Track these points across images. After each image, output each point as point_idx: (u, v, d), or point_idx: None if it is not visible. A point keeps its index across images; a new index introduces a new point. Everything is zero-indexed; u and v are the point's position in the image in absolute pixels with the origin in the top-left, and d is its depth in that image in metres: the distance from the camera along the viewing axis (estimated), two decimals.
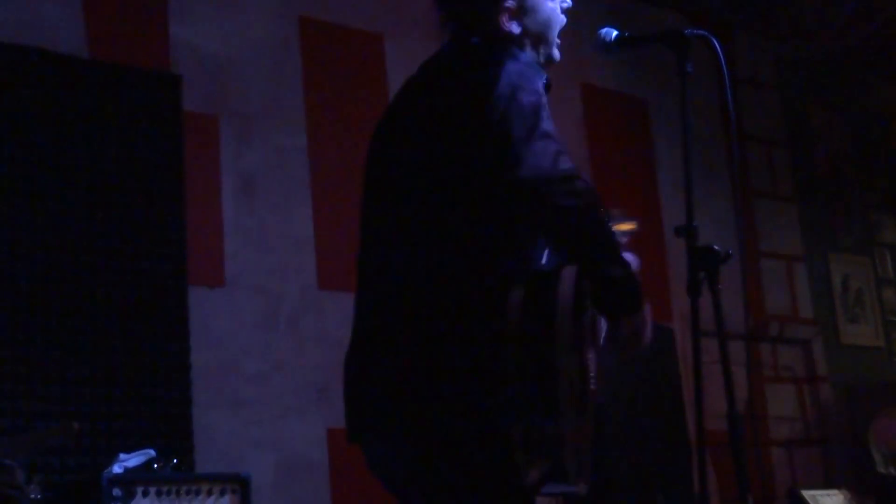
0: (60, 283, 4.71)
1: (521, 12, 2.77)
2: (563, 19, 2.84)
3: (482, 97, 2.49)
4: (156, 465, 4.43)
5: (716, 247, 2.74)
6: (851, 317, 8.42)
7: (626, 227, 2.76)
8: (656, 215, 7.12)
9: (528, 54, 2.75)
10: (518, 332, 2.30)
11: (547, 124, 2.50)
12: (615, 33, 3.03)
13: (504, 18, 2.76)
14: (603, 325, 2.57)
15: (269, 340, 5.31)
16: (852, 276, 8.54)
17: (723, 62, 2.88)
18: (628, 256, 2.56)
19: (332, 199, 5.62)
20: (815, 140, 8.67)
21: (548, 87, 2.62)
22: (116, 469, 4.33)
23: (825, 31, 8.29)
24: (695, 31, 2.92)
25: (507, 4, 2.77)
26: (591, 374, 2.48)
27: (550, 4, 2.83)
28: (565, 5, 2.85)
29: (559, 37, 2.84)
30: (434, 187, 2.53)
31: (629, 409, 5.55)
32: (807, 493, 6.63)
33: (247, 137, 5.50)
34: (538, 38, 2.79)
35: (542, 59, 2.80)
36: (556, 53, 2.83)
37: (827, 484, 7.27)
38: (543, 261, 2.59)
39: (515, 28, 2.76)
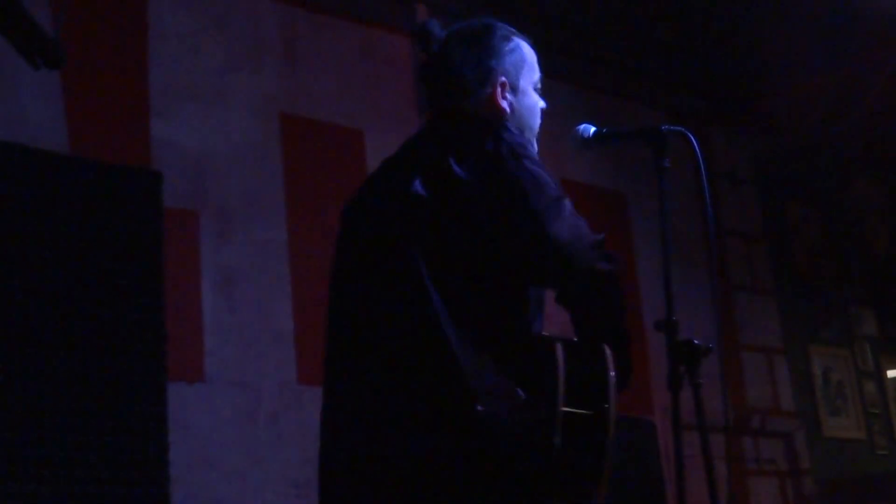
0: (37, 377, 4.66)
1: (512, 90, 2.81)
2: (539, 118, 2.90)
3: (485, 169, 2.49)
4: None
5: (696, 341, 2.74)
6: (833, 409, 8.41)
7: None
8: (636, 309, 7.12)
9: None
10: (565, 406, 2.30)
11: (556, 192, 2.55)
12: (593, 129, 3.06)
13: (498, 93, 2.79)
14: None
15: (248, 436, 5.27)
16: (833, 368, 8.54)
17: (700, 157, 2.91)
18: None
19: (313, 294, 5.61)
20: (793, 234, 8.74)
21: None
22: None
23: (802, 127, 8.39)
24: (672, 128, 2.95)
25: (501, 79, 2.80)
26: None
27: (539, 100, 2.87)
28: (542, 106, 2.89)
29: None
30: (437, 265, 2.47)
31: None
32: None
33: (227, 233, 5.50)
34: (522, 122, 2.82)
35: None
36: (535, 145, 2.84)
37: None
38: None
39: (505, 104, 2.79)
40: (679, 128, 2.96)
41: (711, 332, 3.07)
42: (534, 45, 2.95)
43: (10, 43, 2.74)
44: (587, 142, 3.06)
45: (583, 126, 3.07)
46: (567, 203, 2.56)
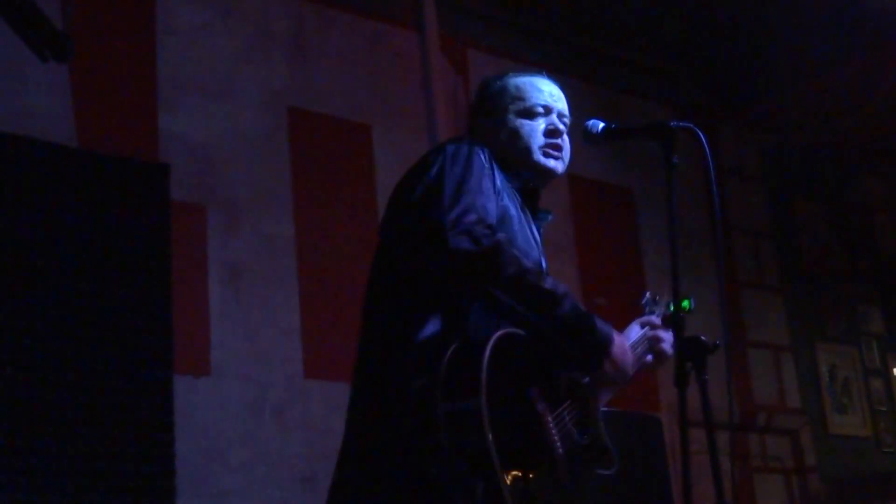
0: (44, 371, 4.68)
1: (494, 127, 3.09)
2: (543, 137, 3.05)
3: (416, 173, 2.79)
4: None
5: (703, 337, 2.74)
6: (839, 407, 8.40)
7: (683, 303, 2.80)
8: (643, 306, 7.11)
9: (504, 162, 2.99)
10: (445, 403, 2.43)
11: (472, 184, 2.71)
12: (602, 125, 3.06)
13: (480, 132, 3.10)
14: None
15: (254, 430, 5.27)
16: (839, 365, 8.53)
17: (708, 154, 2.91)
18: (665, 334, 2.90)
19: (319, 288, 5.61)
20: (801, 231, 8.73)
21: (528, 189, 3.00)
22: None
23: (810, 124, 8.38)
24: (680, 124, 2.94)
25: (479, 121, 3.14)
26: (555, 437, 2.60)
27: (524, 123, 3.06)
28: (547, 125, 3.01)
29: (556, 145, 3.01)
30: (387, 268, 2.81)
31: (616, 500, 5.50)
32: None
33: (234, 226, 5.51)
34: (509, 149, 3.03)
35: (521, 167, 3.03)
36: (543, 161, 3.04)
37: None
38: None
39: (491, 140, 3.03)
40: (688, 124, 2.95)
41: (718, 329, 3.07)
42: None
43: (18, 36, 2.74)
44: (596, 137, 3.06)
45: (591, 121, 3.07)
46: (462, 196, 2.67)
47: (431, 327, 2.63)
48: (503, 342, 2.52)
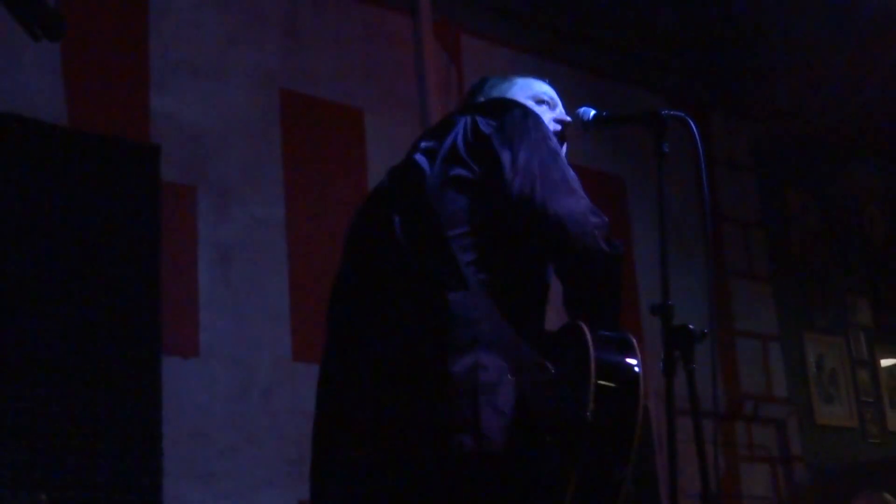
0: (31, 349, 4.67)
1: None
2: (554, 125, 3.03)
3: (509, 130, 2.65)
4: None
5: (691, 326, 2.75)
6: (826, 397, 8.43)
7: None
8: (632, 293, 7.13)
9: None
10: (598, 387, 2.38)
11: (571, 172, 2.68)
12: (593, 112, 3.07)
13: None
14: None
15: (241, 412, 5.27)
16: (827, 356, 8.56)
17: (699, 143, 2.92)
18: None
19: (309, 271, 5.61)
20: (791, 221, 8.74)
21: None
22: None
23: (801, 114, 8.39)
24: (671, 112, 2.95)
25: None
26: None
27: (537, 107, 3.02)
28: (566, 119, 2.97)
29: (560, 134, 3.03)
30: (469, 232, 2.60)
31: None
32: None
33: (224, 208, 5.50)
34: None
35: None
36: None
37: None
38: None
39: None
40: (679, 113, 2.96)
41: (706, 318, 3.07)
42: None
43: (10, 13, 2.73)
44: (587, 125, 3.07)
45: (583, 109, 3.08)
46: (576, 181, 2.67)
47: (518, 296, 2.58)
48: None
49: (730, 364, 7.71)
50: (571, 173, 2.68)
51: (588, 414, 2.33)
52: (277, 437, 5.30)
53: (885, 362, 9.07)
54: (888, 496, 6.73)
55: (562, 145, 3.02)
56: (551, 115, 3.04)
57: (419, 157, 2.78)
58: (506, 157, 2.59)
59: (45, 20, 2.75)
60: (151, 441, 4.89)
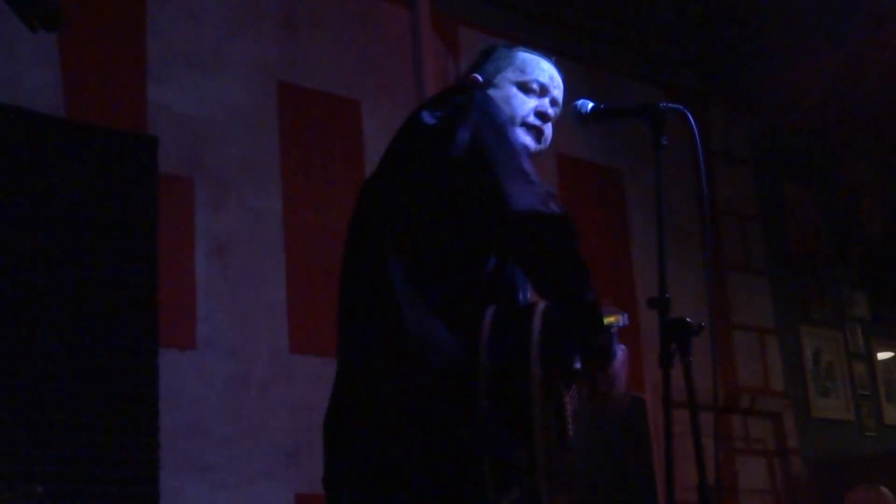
0: (28, 341, 4.67)
1: (484, 85, 2.98)
2: (532, 116, 2.99)
3: (451, 116, 2.63)
4: None
5: (688, 319, 2.75)
6: (822, 390, 8.44)
7: (612, 318, 2.78)
8: (629, 286, 7.13)
9: None
10: (489, 363, 2.34)
11: (527, 163, 2.62)
12: (591, 105, 3.06)
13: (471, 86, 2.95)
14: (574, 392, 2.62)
15: (238, 404, 5.28)
16: (824, 349, 8.57)
17: (697, 136, 2.91)
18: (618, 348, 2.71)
19: (306, 263, 5.61)
20: (788, 214, 8.74)
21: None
22: None
23: (799, 108, 8.39)
24: (670, 105, 2.94)
25: (473, 74, 3.02)
26: (569, 418, 2.53)
27: (518, 94, 2.99)
28: (537, 106, 2.96)
29: (536, 128, 2.97)
30: (400, 228, 2.61)
31: (599, 479, 5.53)
32: None
33: (222, 200, 5.50)
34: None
35: None
36: (520, 138, 2.94)
37: None
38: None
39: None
40: (677, 105, 2.95)
41: (703, 311, 3.08)
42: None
43: (7, 4, 2.72)
44: (585, 117, 3.06)
45: (581, 101, 3.07)
46: (525, 158, 2.64)
47: (456, 289, 2.55)
48: (548, 312, 2.46)
49: (727, 357, 7.72)
50: (514, 149, 2.66)
51: (485, 403, 2.33)
52: (274, 430, 5.30)
53: (881, 355, 9.08)
54: (884, 489, 6.74)
55: (539, 141, 3.00)
56: (533, 103, 3.00)
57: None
58: (443, 137, 2.61)
59: (42, 11, 2.74)
60: (148, 433, 4.89)
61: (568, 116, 3.09)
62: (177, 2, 5.61)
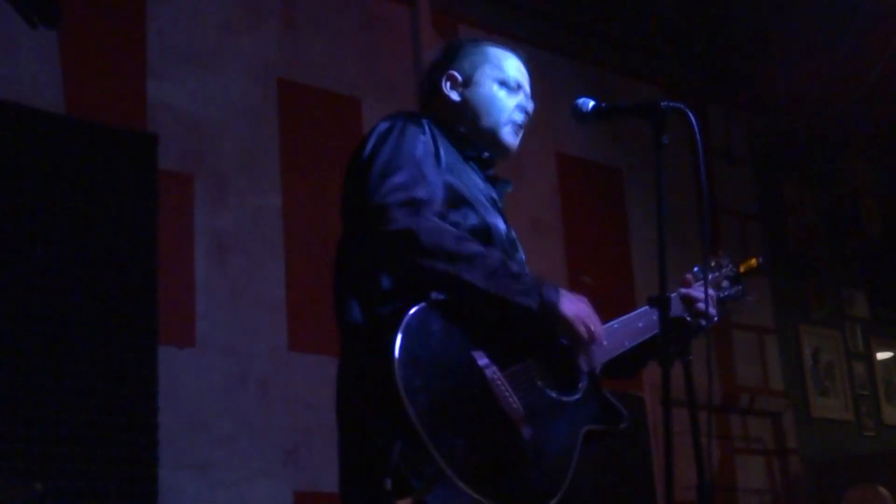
0: (27, 337, 4.67)
1: (464, 84, 3.07)
2: (516, 114, 3.07)
3: (355, 158, 2.83)
4: None
5: (688, 318, 2.75)
6: (821, 390, 8.44)
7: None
8: (629, 285, 7.13)
9: (462, 127, 3.01)
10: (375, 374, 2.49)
11: (404, 159, 2.72)
12: (592, 103, 3.05)
13: (445, 86, 3.07)
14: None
15: (237, 402, 5.27)
16: (823, 349, 8.57)
17: (697, 135, 2.90)
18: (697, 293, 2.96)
19: (306, 261, 5.61)
20: (788, 214, 8.74)
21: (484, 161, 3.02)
22: None
23: (799, 107, 8.38)
24: (670, 104, 2.94)
25: (450, 72, 3.08)
26: (502, 387, 2.57)
27: (500, 92, 3.06)
28: (520, 104, 2.98)
29: (520, 125, 3.07)
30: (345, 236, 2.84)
31: (598, 478, 5.53)
32: None
33: (221, 197, 5.49)
34: (477, 109, 3.05)
35: (485, 137, 3.04)
36: (509, 138, 3.07)
37: None
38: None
39: (455, 96, 3.06)
40: (678, 104, 2.95)
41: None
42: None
43: (7, 1, 2.72)
44: (586, 116, 3.06)
45: (582, 100, 3.06)
46: (392, 165, 2.71)
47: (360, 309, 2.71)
48: (424, 314, 2.53)
49: (726, 356, 7.72)
50: (391, 168, 2.71)
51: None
52: (273, 427, 5.30)
53: (880, 355, 9.08)
54: (882, 489, 6.75)
55: (516, 135, 3.07)
56: (515, 100, 3.08)
57: None
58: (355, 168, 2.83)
59: (42, 8, 2.75)
60: (147, 430, 4.89)
61: (569, 115, 3.09)
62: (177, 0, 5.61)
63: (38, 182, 4.87)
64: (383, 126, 2.83)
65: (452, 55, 3.12)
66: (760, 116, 8.59)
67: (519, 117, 3.08)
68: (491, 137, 3.04)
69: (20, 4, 2.69)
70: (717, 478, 7.24)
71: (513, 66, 3.12)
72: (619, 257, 7.24)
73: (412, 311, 2.51)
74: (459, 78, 3.06)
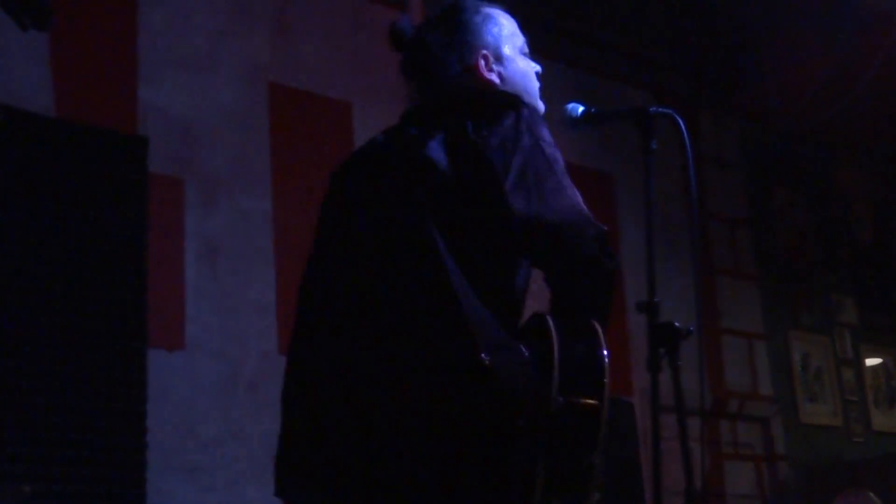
0: (16, 340, 4.65)
1: (497, 61, 2.83)
2: (537, 82, 2.89)
3: (503, 141, 2.49)
4: None
5: (676, 324, 2.75)
6: (810, 395, 8.44)
7: None
8: (618, 290, 7.13)
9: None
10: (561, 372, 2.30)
11: (568, 179, 2.54)
12: (581, 109, 3.06)
13: (482, 66, 2.81)
14: None
15: (227, 405, 5.27)
16: (812, 354, 8.57)
17: (687, 140, 2.91)
18: None
19: (296, 264, 5.57)
20: (778, 219, 8.75)
21: None
22: None
23: (789, 112, 8.40)
24: (660, 109, 2.94)
25: (483, 52, 2.82)
26: None
27: (525, 63, 2.89)
28: (537, 70, 2.89)
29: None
30: (448, 229, 2.44)
31: None
32: None
33: (211, 201, 5.49)
34: (518, 89, 2.82)
35: None
36: (541, 104, 2.87)
37: None
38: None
39: (495, 77, 2.81)
40: (667, 110, 2.96)
41: (692, 315, 3.08)
42: (511, 13, 2.96)
43: None
44: (575, 121, 3.06)
45: (571, 105, 3.07)
46: (575, 189, 2.55)
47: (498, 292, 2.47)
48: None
49: (715, 362, 7.73)
50: (567, 179, 2.55)
51: (561, 399, 2.27)
52: (263, 431, 5.29)
53: (869, 361, 9.08)
54: (872, 494, 6.76)
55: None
56: (533, 67, 2.90)
57: (422, 151, 2.59)
58: (499, 166, 2.46)
59: (33, 10, 2.74)
60: (136, 434, 4.88)
61: (559, 120, 3.08)
62: (168, 2, 5.60)
63: (27, 185, 4.86)
64: (527, 113, 2.56)
65: (462, 27, 2.86)
66: (751, 122, 8.61)
67: (538, 84, 2.92)
68: None
69: (11, 7, 2.68)
70: (706, 483, 7.24)
71: (515, 27, 2.95)
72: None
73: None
74: (491, 56, 2.82)
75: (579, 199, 2.52)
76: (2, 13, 2.74)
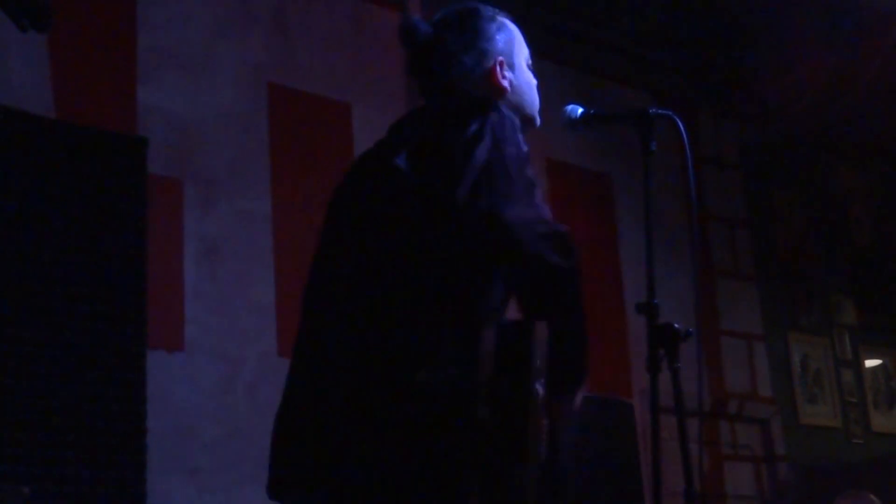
0: (15, 341, 4.66)
1: (510, 68, 2.81)
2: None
3: (464, 147, 2.46)
4: None
5: (676, 325, 2.75)
6: (810, 397, 8.45)
7: None
8: (618, 291, 7.13)
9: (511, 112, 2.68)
10: (491, 386, 2.29)
11: (533, 179, 2.50)
12: (581, 110, 3.06)
13: (497, 72, 2.79)
14: None
15: (226, 406, 5.27)
16: (811, 356, 8.57)
17: (686, 142, 2.91)
18: None
19: (295, 265, 5.58)
20: (777, 221, 8.75)
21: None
22: None
23: (788, 114, 8.40)
24: (659, 111, 2.95)
25: (499, 58, 2.80)
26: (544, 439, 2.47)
27: (530, 75, 2.88)
28: (534, 83, 2.89)
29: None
30: (409, 238, 2.47)
31: (585, 485, 5.53)
32: None
33: (211, 202, 5.49)
34: (524, 98, 2.82)
35: (525, 127, 2.76)
36: (539, 119, 2.85)
37: None
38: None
39: (507, 84, 2.79)
40: (666, 111, 2.96)
41: (692, 317, 3.08)
42: (517, 23, 2.94)
43: None
44: (574, 122, 3.06)
45: (570, 106, 3.07)
46: (533, 190, 2.49)
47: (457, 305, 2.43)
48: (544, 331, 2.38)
49: (714, 363, 7.73)
50: (525, 182, 2.48)
51: (486, 412, 2.28)
52: (262, 432, 5.25)
53: (869, 363, 9.09)
54: (871, 496, 6.76)
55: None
56: (534, 81, 2.88)
57: (398, 161, 2.61)
58: (457, 169, 2.45)
59: (32, 11, 2.74)
60: (135, 435, 4.88)
61: (558, 121, 3.08)
62: (167, 3, 5.60)
63: (26, 186, 4.87)
64: (495, 118, 2.52)
65: (480, 32, 2.83)
66: (750, 123, 8.61)
67: (534, 80, 2.89)
68: (530, 128, 2.81)
69: (10, 7, 2.67)
70: (705, 484, 7.24)
71: (523, 40, 2.92)
72: (607, 263, 7.24)
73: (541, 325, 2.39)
74: (505, 63, 2.79)
75: (536, 200, 2.47)
76: (1, 14, 2.74)
